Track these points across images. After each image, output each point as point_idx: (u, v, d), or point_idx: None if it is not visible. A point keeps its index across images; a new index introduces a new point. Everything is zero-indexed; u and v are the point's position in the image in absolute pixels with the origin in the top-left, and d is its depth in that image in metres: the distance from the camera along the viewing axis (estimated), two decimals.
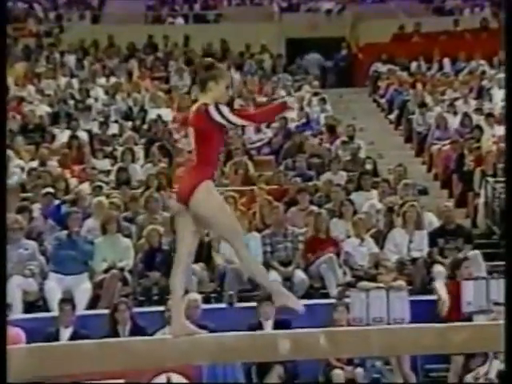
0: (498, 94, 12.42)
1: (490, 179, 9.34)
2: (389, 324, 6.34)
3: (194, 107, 3.87)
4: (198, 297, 6.72)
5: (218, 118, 3.78)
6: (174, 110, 12.14)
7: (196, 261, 7.38)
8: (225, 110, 3.80)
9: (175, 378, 5.90)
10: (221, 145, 3.93)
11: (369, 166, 10.36)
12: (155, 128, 11.25)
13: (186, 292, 6.88)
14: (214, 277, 7.48)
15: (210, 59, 3.99)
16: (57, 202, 8.47)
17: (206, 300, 7.18)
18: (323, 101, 12.98)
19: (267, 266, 7.49)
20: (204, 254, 7.50)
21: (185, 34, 15.95)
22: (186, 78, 13.74)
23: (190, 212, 3.79)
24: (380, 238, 7.86)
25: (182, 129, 3.45)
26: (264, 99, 13.18)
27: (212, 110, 3.78)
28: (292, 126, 12.05)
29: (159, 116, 11.52)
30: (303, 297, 7.28)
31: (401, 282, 7.00)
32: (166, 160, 10.18)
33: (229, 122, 3.81)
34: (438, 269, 7.39)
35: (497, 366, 6.23)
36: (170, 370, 5.79)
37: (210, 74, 3.86)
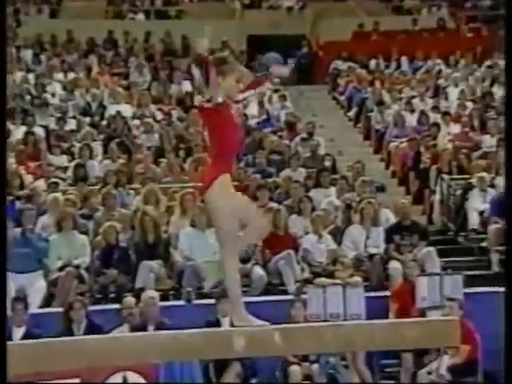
0: (454, 93, 12.65)
1: (446, 177, 9.49)
2: (345, 320, 6.39)
3: (203, 102, 3.85)
4: (156, 294, 6.68)
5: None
6: (134, 106, 12.04)
7: (154, 258, 7.35)
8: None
9: (131, 376, 5.85)
10: (238, 139, 3.93)
11: (328, 163, 10.43)
12: (114, 124, 11.13)
13: (142, 289, 6.89)
14: (172, 274, 7.44)
15: (222, 54, 3.99)
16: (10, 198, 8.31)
17: (164, 297, 7.14)
18: (283, 98, 13.01)
19: None
20: (162, 250, 7.46)
21: (146, 30, 15.82)
22: (146, 74, 13.63)
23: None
24: (338, 235, 7.92)
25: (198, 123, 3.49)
26: None
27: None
28: (252, 122, 12.07)
29: (118, 112, 11.40)
30: (261, 293, 7.31)
31: (357, 279, 7.06)
32: (125, 156, 10.09)
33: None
34: (394, 265, 7.48)
35: (447, 361, 6.35)
36: (126, 368, 5.74)
37: (217, 70, 3.85)
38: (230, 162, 3.88)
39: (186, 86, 13.50)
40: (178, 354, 3.95)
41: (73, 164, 9.80)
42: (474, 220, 8.70)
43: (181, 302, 7.11)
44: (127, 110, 11.81)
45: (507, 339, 3.86)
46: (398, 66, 14.65)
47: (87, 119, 11.67)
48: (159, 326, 6.13)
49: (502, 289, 7.22)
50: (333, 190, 9.05)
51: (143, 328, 6.26)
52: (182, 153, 10.57)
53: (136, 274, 7.20)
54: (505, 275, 4.20)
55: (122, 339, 3.94)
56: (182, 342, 3.79)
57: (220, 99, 3.80)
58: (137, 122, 11.45)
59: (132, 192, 8.90)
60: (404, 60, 14.69)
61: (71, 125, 11.37)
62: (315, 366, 6.51)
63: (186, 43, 15.46)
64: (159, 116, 11.90)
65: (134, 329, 6.27)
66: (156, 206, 8.10)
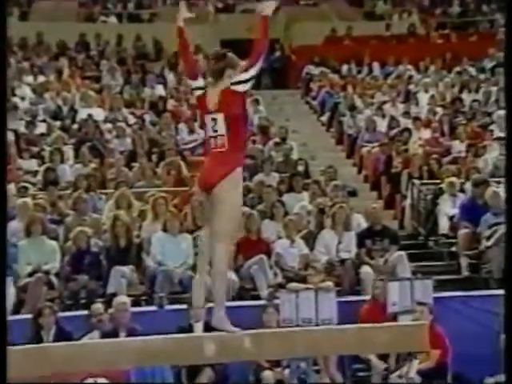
0: (424, 98, 12.79)
1: (416, 182, 9.58)
2: (317, 325, 6.41)
3: (219, 93, 3.86)
4: (127, 300, 6.63)
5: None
6: (106, 110, 11.95)
7: (125, 263, 7.29)
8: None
9: (102, 382, 5.79)
10: (247, 132, 3.94)
11: (301, 168, 10.47)
12: (86, 128, 11.04)
13: (113, 295, 6.83)
14: (144, 279, 7.39)
15: (223, 50, 4.05)
16: None
17: (136, 303, 7.09)
18: (256, 102, 13.04)
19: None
20: (134, 255, 7.41)
21: (118, 33, 15.72)
22: (119, 77, 13.55)
23: (210, 198, 3.77)
24: (310, 240, 7.95)
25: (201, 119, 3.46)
26: None
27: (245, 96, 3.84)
28: None
29: (90, 116, 11.31)
30: (234, 298, 7.29)
31: (329, 283, 7.09)
32: (96, 161, 10.01)
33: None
34: (366, 270, 7.53)
35: (416, 365, 6.40)
36: (97, 374, 5.68)
37: (227, 62, 3.93)
38: (244, 154, 3.90)
39: (159, 90, 13.46)
40: (148, 360, 3.94)
41: (43, 168, 9.70)
42: (444, 225, 8.79)
43: (153, 308, 7.06)
44: (99, 113, 11.72)
45: (507, 339, 3.89)
46: (370, 71, 14.78)
47: (58, 123, 11.55)
48: (131, 332, 6.08)
49: (471, 293, 7.35)
50: (305, 194, 9.09)
51: (114, 334, 6.20)
52: (154, 157, 10.54)
53: (107, 280, 7.14)
54: (505, 277, 4.23)
55: (92, 346, 3.91)
56: (153, 347, 3.78)
57: (248, 86, 3.85)
58: (109, 125, 11.37)
59: (103, 197, 8.83)
60: (375, 65, 14.82)
61: (41, 128, 11.25)
62: (287, 371, 6.51)
63: (158, 47, 15.41)
64: (132, 120, 11.84)
65: (104, 335, 6.21)
66: (128, 210, 8.05)
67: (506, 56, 4.32)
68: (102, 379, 5.76)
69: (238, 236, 4.07)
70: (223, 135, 3.81)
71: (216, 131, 3.83)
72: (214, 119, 3.84)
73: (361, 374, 6.90)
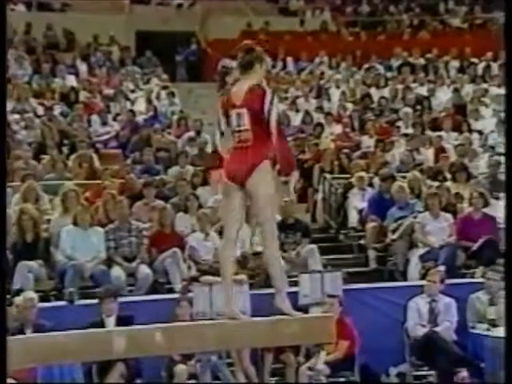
0: (336, 94, 13.08)
1: (328, 176, 9.79)
2: None
3: (246, 88, 3.86)
4: (34, 295, 6.44)
5: (267, 104, 3.80)
6: (13, 101, 11.54)
7: (33, 258, 7.09)
8: (275, 100, 3.86)
9: (8, 383, 5.60)
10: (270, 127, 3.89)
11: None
12: None
13: (20, 291, 6.62)
14: (53, 274, 7.21)
15: (250, 42, 4.00)
16: None
17: (45, 299, 6.91)
18: (172, 94, 12.95)
19: (111, 261, 7.36)
20: (42, 250, 7.21)
21: (26, 22, 15.21)
22: (27, 66, 13.11)
23: (243, 190, 3.81)
24: None
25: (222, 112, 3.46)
26: (111, 91, 12.93)
27: (269, 94, 3.83)
28: (140, 119, 11.91)
29: None
30: (147, 292, 7.24)
31: (242, 276, 7.14)
32: None
33: (270, 113, 3.81)
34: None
35: (324, 356, 6.56)
36: None
37: (256, 56, 3.92)
38: (270, 147, 3.86)
39: (71, 81, 13.13)
40: (55, 358, 3.85)
41: None
42: (353, 218, 9.02)
43: (63, 303, 6.90)
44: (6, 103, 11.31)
45: (507, 339, 4.01)
46: (284, 66, 14.96)
47: None
48: (38, 329, 5.92)
49: (378, 284, 7.59)
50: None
51: (20, 331, 6.02)
52: (65, 149, 10.28)
53: (13, 276, 6.91)
54: (506, 275, 4.35)
55: None
56: (60, 344, 3.69)
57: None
58: (16, 116, 11.01)
59: (10, 190, 8.53)
60: (289, 60, 15.02)
61: None
62: (199, 365, 6.52)
63: (70, 37, 15.03)
64: (41, 111, 11.50)
65: (10, 332, 6.01)
66: (36, 203, 7.81)
67: (506, 56, 4.44)
68: (8, 379, 5.58)
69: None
70: (248, 130, 3.85)
71: (240, 126, 3.86)
72: (239, 114, 3.86)
73: (273, 366, 6.96)
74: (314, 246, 7.75)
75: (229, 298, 3.92)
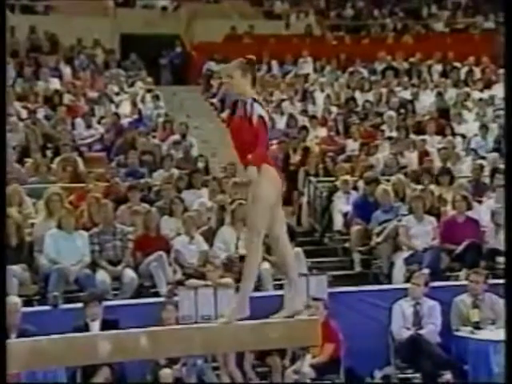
0: (320, 97, 13.14)
1: (313, 179, 9.83)
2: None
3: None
4: (18, 300, 6.38)
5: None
6: None
7: (17, 262, 7.04)
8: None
9: None
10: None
11: (201, 164, 10.48)
12: None
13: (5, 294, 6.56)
14: (37, 278, 7.16)
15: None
16: None
17: (28, 303, 6.86)
18: (157, 98, 12.93)
19: (95, 265, 7.33)
20: (26, 254, 7.16)
21: (10, 25, 15.09)
22: (10, 70, 13.02)
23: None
24: (210, 236, 7.97)
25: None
26: (95, 94, 12.88)
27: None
28: (124, 122, 11.88)
29: None
30: (133, 296, 7.21)
31: (228, 280, 7.14)
32: None
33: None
34: (265, 266, 7.63)
35: (309, 359, 6.58)
36: None
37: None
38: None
39: (55, 84, 13.06)
40: (39, 363, 3.83)
41: None
42: (338, 221, 9.06)
43: (47, 308, 6.86)
44: None
45: (507, 339, 4.02)
46: (269, 70, 15.00)
47: None
48: (22, 334, 5.87)
49: (363, 288, 7.62)
50: (205, 191, 9.10)
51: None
52: (49, 152, 10.22)
53: None
54: (505, 275, 4.37)
55: None
56: (43, 349, 3.67)
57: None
58: None
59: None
60: (274, 63, 15.06)
61: None
62: (185, 369, 6.51)
63: (53, 40, 14.95)
64: (24, 114, 11.43)
65: None
66: (19, 207, 7.76)
67: (506, 56, 4.47)
68: None
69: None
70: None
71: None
72: None
73: (260, 369, 6.97)
74: (299, 250, 7.77)
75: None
